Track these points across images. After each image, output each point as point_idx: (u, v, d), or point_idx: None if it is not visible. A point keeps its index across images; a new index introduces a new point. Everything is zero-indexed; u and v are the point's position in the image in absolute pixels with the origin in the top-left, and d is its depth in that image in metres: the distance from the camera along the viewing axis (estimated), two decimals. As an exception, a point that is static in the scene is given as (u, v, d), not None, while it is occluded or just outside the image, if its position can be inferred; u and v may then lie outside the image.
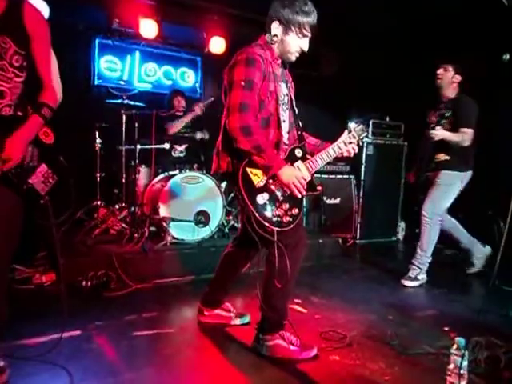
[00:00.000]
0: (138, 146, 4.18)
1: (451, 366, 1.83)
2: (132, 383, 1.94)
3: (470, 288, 3.71)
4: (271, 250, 2.08)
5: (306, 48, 2.15)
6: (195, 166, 4.30)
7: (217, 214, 3.97)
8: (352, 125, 2.29)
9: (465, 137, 3.38)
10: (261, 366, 2.12)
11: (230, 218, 4.36)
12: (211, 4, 5.31)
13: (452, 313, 2.97)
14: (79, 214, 4.17)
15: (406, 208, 5.69)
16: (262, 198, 2.03)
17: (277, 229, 2.03)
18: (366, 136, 2.32)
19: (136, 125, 4.19)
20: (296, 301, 3.02)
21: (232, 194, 4.25)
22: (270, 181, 2.06)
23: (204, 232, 3.89)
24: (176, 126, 4.49)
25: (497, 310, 2.89)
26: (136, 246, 3.59)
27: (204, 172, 4.02)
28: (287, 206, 2.08)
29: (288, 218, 2.07)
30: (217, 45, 5.55)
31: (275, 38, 2.14)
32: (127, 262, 3.36)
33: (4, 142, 1.71)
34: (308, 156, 2.22)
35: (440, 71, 3.58)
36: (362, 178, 5.45)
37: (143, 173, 4.42)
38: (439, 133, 3.38)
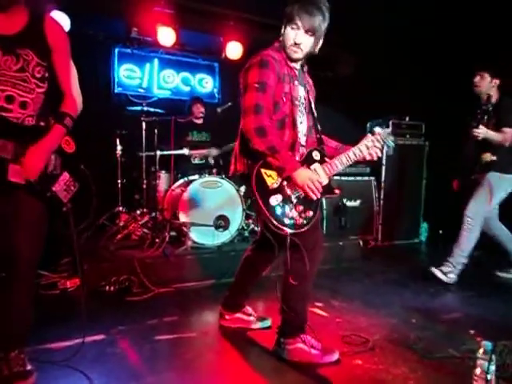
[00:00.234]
0: (158, 152, 4.23)
1: (477, 371, 1.77)
2: (154, 387, 1.96)
3: (497, 291, 3.60)
4: (286, 251, 2.07)
5: (298, 41, 2.08)
6: (214, 170, 4.34)
7: (236, 218, 3.98)
8: (377, 129, 2.24)
9: (506, 137, 3.38)
10: (282, 370, 2.11)
11: (250, 221, 4.36)
12: (228, 10, 5.36)
13: (478, 316, 2.89)
14: (102, 220, 4.26)
15: (429, 209, 5.59)
16: (275, 200, 2.02)
17: (290, 230, 2.02)
18: (392, 141, 2.28)
19: (156, 131, 4.24)
20: (317, 304, 3.00)
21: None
22: (285, 182, 2.05)
23: (224, 236, 3.91)
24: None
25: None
26: (157, 251, 3.63)
27: (223, 177, 4.04)
28: (301, 208, 2.07)
29: (302, 221, 2.06)
30: (234, 50, 5.59)
31: (281, 37, 2.14)
32: (149, 267, 3.40)
33: (27, 151, 1.77)
34: (326, 159, 2.20)
35: (477, 79, 3.55)
36: (383, 179, 5.38)
37: (163, 178, 4.47)
38: (482, 131, 3.36)
